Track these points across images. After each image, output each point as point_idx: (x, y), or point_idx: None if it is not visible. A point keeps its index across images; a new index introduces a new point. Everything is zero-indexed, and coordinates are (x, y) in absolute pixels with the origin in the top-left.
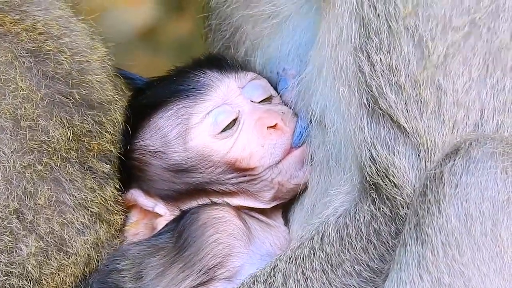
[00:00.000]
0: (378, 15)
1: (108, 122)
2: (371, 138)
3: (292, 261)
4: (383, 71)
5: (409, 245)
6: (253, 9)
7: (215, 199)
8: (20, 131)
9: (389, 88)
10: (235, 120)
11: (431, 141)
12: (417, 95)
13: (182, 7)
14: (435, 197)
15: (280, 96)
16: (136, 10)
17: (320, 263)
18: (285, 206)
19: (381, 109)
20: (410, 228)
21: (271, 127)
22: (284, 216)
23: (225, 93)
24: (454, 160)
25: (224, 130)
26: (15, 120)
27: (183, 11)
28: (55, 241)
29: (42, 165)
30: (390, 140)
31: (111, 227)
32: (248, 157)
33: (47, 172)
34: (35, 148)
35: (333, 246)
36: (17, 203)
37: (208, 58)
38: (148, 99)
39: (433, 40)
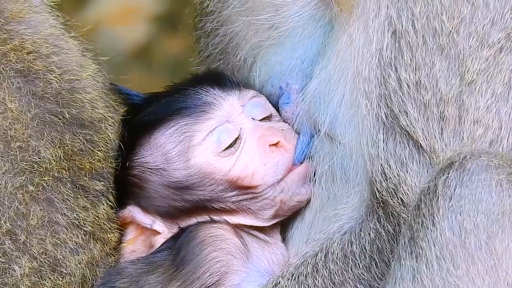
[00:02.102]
0: (416, 30)
1: (100, 140)
2: (385, 154)
3: (295, 278)
4: (409, 87)
5: (404, 259)
6: (255, 17)
7: (214, 217)
8: (11, 152)
9: (412, 106)
10: (237, 138)
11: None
12: (440, 113)
13: (175, 25)
14: (429, 210)
15: (279, 111)
16: (130, 28)
17: (323, 281)
18: (283, 222)
19: (400, 126)
20: (404, 243)
21: (273, 144)
22: (282, 232)
23: (228, 112)
24: (448, 173)
25: (226, 148)
26: (5, 142)
27: (176, 29)
28: (48, 261)
29: (33, 185)
30: (404, 157)
31: (106, 246)
32: (250, 175)
33: (39, 192)
34: (26, 169)
35: (337, 264)
36: (10, 224)
37: (208, 75)
38: (148, 116)
39: (470, 57)
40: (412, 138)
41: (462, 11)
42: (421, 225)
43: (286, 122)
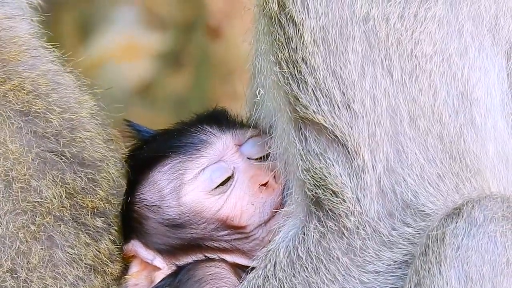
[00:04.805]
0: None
1: (102, 179)
2: (302, 151)
3: None
4: (288, 67)
5: None
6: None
7: (210, 256)
8: (12, 193)
9: (296, 85)
10: (229, 177)
11: (351, 135)
12: (316, 83)
13: (179, 63)
14: (436, 258)
15: None
16: (133, 65)
17: None
18: None
19: (300, 117)
20: (410, 287)
21: (262, 184)
22: None
23: (221, 150)
24: (457, 223)
25: (217, 186)
26: (7, 182)
27: (180, 66)
28: None
29: (35, 225)
30: (319, 148)
31: (107, 277)
32: (238, 215)
33: (41, 231)
34: (28, 209)
35: (285, 271)
36: (11, 263)
37: (210, 113)
38: (148, 153)
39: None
40: (314, 123)
41: None
42: (428, 271)
43: None
